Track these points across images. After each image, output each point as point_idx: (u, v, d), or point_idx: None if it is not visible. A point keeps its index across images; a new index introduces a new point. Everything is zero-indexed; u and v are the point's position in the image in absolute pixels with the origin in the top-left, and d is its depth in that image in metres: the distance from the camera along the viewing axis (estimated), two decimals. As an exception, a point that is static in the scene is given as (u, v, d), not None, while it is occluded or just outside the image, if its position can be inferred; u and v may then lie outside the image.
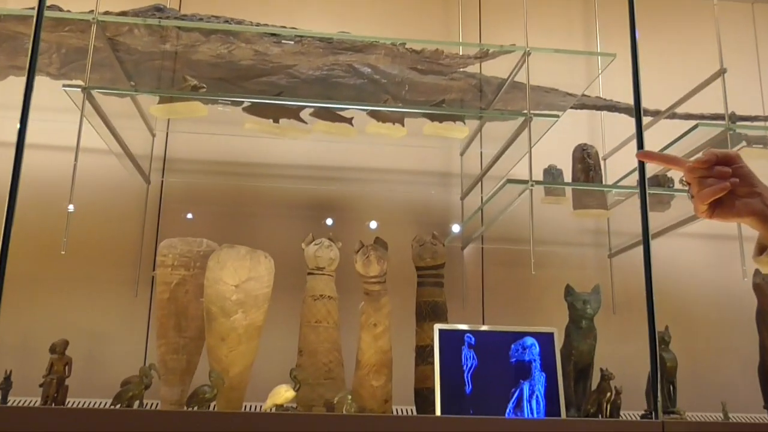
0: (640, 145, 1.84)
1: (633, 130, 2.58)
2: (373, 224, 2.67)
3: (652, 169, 2.37)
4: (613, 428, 1.64)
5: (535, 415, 1.86)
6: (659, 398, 1.72)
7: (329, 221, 2.66)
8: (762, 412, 2.35)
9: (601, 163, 2.73)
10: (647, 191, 1.75)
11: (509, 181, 2.13)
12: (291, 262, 2.31)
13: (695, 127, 2.15)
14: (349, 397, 1.88)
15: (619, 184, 2.50)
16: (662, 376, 2.29)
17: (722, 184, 1.05)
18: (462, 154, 2.81)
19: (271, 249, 2.15)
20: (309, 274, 2.24)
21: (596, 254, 2.77)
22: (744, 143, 2.31)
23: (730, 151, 1.09)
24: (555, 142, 2.57)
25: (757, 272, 2.42)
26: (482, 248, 2.74)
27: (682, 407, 2.28)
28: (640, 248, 2.59)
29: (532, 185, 2.08)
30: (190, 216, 2.58)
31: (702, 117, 2.35)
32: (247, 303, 2.03)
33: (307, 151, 2.74)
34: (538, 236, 2.69)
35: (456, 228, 2.67)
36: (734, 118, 2.27)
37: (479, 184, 2.70)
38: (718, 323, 2.75)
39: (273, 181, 2.67)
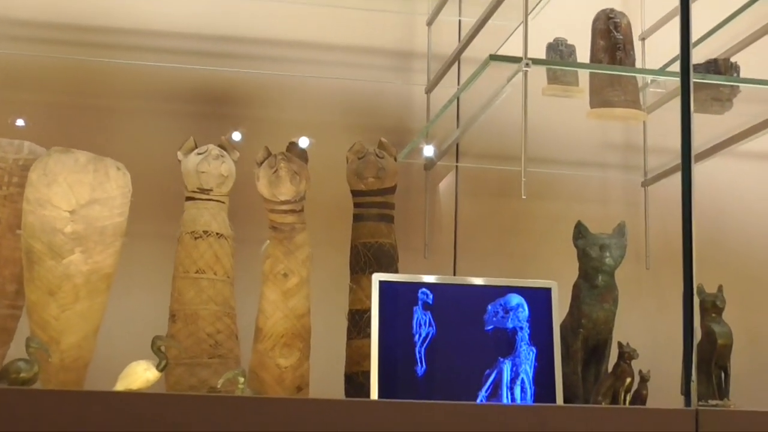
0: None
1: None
2: (294, 127, 2.66)
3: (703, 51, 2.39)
4: (626, 417, 1.70)
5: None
6: (693, 380, 1.76)
7: (225, 121, 2.64)
8: None
9: (638, 44, 2.74)
10: (691, 80, 1.75)
11: (493, 57, 2.12)
12: (160, 179, 2.30)
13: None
14: (242, 379, 1.89)
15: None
16: (710, 357, 2.35)
17: None
18: (430, 24, 2.79)
19: (130, 158, 2.12)
20: (188, 199, 2.23)
21: (625, 180, 2.79)
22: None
23: None
24: (570, 7, 2.55)
25: None
26: (456, 167, 2.75)
27: (737, 401, 2.35)
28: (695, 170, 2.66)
29: (527, 65, 2.07)
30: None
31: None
32: (89, 239, 2.01)
33: (194, 12, 2.69)
34: (537, 147, 2.71)
35: (426, 143, 2.67)
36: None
37: (455, 67, 2.69)
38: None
39: (137, 56, 2.62)
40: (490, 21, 2.34)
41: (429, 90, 2.72)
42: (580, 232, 2.29)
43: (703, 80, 2.29)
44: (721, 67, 2.30)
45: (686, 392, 1.78)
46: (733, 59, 2.41)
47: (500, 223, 2.74)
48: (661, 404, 2.26)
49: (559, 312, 2.06)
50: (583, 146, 2.78)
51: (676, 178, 2.65)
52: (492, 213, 2.75)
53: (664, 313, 2.65)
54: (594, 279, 2.26)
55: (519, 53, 2.28)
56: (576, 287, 2.29)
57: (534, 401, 1.95)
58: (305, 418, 1.63)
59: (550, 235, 2.66)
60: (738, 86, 2.32)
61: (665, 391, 2.36)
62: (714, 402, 2.19)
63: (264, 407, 1.64)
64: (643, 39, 2.76)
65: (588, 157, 2.80)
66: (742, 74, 2.38)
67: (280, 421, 1.61)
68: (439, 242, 2.70)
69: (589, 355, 2.28)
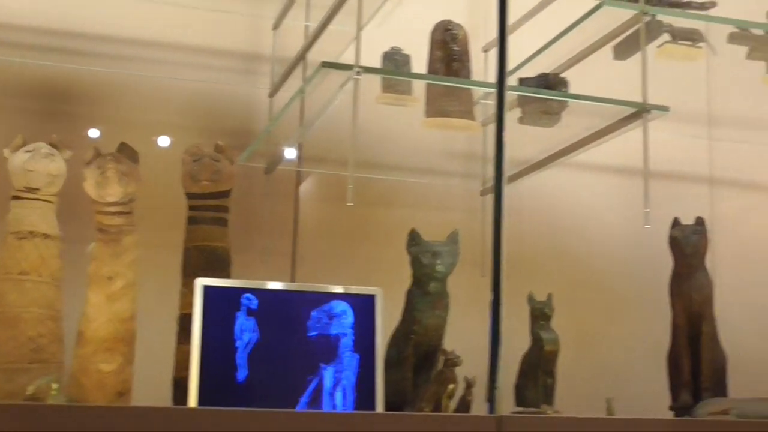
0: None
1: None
2: (134, 127, 2.65)
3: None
4: (429, 424, 1.73)
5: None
6: (497, 387, 1.82)
7: (64, 119, 2.61)
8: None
9: (481, 55, 2.82)
10: (505, 89, 1.81)
11: (325, 64, 2.15)
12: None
13: (599, 6, 2.25)
14: (55, 385, 1.87)
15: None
16: (538, 363, 2.44)
17: None
18: (275, 28, 2.80)
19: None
20: (14, 198, 2.18)
21: (465, 188, 2.85)
22: (667, 37, 2.44)
23: None
24: (413, 17, 2.60)
25: (676, 223, 2.59)
26: (298, 171, 2.77)
27: (564, 407, 2.43)
28: (528, 181, 2.75)
29: (358, 73, 2.11)
30: None
31: (618, -6, 2.46)
32: None
33: (33, 5, 2.65)
34: (380, 154, 2.76)
35: (269, 147, 2.68)
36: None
37: (300, 72, 2.68)
38: (621, 291, 2.93)
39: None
40: (340, 27, 2.37)
41: (272, 94, 2.73)
42: (413, 239, 2.33)
43: (519, 92, 2.37)
44: (551, 81, 2.38)
45: (490, 399, 1.83)
46: (565, 74, 2.51)
47: (341, 229, 2.77)
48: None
49: (383, 319, 2.10)
50: (425, 154, 2.83)
51: (514, 186, 2.75)
52: (333, 219, 2.78)
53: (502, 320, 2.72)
54: (426, 286, 2.30)
55: (367, 60, 2.36)
56: (409, 294, 2.33)
57: (354, 408, 1.98)
58: (116, 427, 1.63)
59: (391, 242, 2.69)
60: (566, 101, 2.41)
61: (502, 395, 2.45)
62: (527, 408, 2.27)
63: (72, 414, 1.63)
64: (486, 51, 2.82)
65: (430, 165, 2.85)
66: (573, 89, 2.47)
67: (87, 430, 1.61)
68: (279, 247, 2.71)
69: (421, 361, 2.32)
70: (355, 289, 2.08)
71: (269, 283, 2.09)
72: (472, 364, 2.24)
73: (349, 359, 2.01)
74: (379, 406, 1.99)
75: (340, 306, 2.04)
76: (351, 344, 2.03)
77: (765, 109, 3.08)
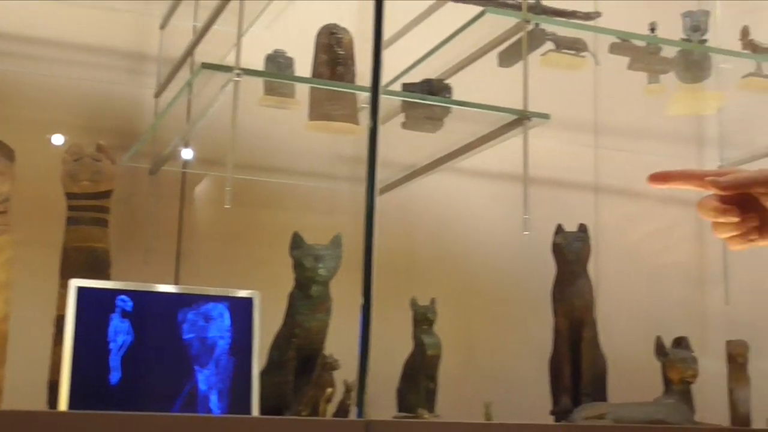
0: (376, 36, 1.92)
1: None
2: (13, 125, 2.60)
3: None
4: (298, 427, 1.74)
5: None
6: (365, 390, 1.83)
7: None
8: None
9: (370, 60, 2.83)
10: (379, 96, 1.82)
11: (205, 65, 2.15)
12: None
13: (482, 14, 2.29)
14: None
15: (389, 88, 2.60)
16: (420, 367, 2.46)
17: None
18: (163, 27, 2.78)
19: None
20: None
21: (351, 192, 2.86)
22: (552, 45, 2.49)
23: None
24: (306, 20, 2.60)
25: (559, 230, 2.64)
26: (184, 173, 2.75)
27: (446, 411, 2.46)
28: (413, 185, 2.78)
29: (238, 75, 2.11)
30: None
31: (506, 4, 2.49)
32: None
33: None
34: (263, 157, 2.76)
35: (155, 147, 2.65)
36: (538, 8, 2.43)
37: (187, 73, 2.66)
38: (505, 297, 2.96)
39: None
40: (228, 29, 2.36)
41: (158, 94, 2.71)
42: (296, 242, 2.34)
43: (403, 98, 2.40)
44: (435, 87, 2.40)
45: (359, 403, 1.84)
46: (452, 80, 2.54)
47: (226, 231, 2.75)
48: (371, 413, 2.35)
49: (262, 322, 2.10)
50: (313, 157, 2.82)
51: (403, 190, 2.79)
52: (219, 221, 2.76)
53: (386, 323, 2.73)
54: (308, 289, 2.32)
55: (256, 62, 2.35)
56: (291, 297, 2.34)
57: (229, 412, 1.98)
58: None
59: (276, 245, 2.69)
60: (449, 107, 2.43)
61: (377, 400, 2.47)
62: (404, 414, 2.29)
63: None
64: (377, 55, 2.85)
65: (316, 168, 2.85)
66: (458, 95, 2.50)
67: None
68: (164, 248, 2.68)
69: (303, 364, 2.33)
70: (232, 292, 2.07)
71: (144, 284, 2.07)
72: (354, 368, 2.26)
73: (225, 362, 2.00)
74: (255, 410, 1.99)
75: (217, 309, 2.03)
76: (227, 347, 2.02)
77: (648, 119, 3.16)
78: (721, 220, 1.22)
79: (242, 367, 2.02)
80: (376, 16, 1.97)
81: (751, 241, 1.25)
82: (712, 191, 1.22)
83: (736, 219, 1.22)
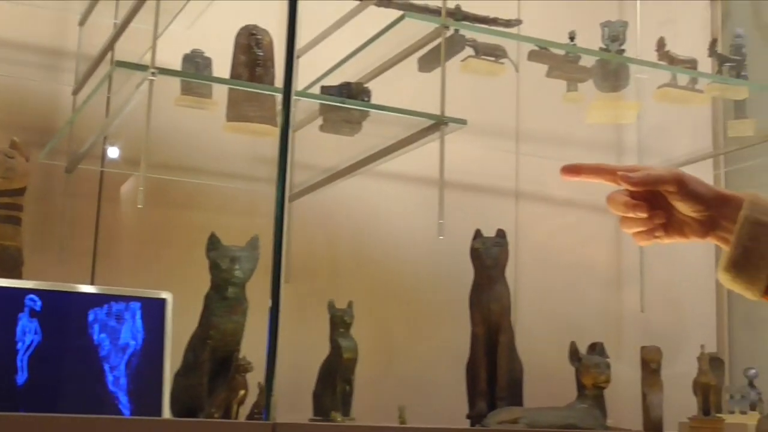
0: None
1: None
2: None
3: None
4: (206, 430, 1.74)
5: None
6: (272, 393, 1.83)
7: None
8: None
9: (295, 62, 2.84)
10: (292, 95, 1.83)
11: (119, 63, 2.13)
12: None
13: (402, 18, 2.30)
14: None
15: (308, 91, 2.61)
16: (336, 370, 2.46)
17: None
18: (81, 24, 2.75)
19: None
20: None
21: (271, 194, 2.85)
22: (471, 51, 2.51)
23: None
24: (228, 21, 2.60)
25: (477, 234, 2.66)
26: (101, 172, 2.72)
27: (363, 415, 2.47)
28: (333, 189, 2.78)
29: (153, 74, 2.10)
30: None
31: (426, 9, 2.51)
32: None
33: None
34: (182, 157, 2.74)
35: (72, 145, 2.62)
36: (459, 14, 2.46)
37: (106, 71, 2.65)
38: (425, 301, 2.98)
39: None
40: (149, 27, 2.35)
41: (76, 91, 2.67)
42: (212, 243, 2.32)
43: (321, 101, 2.41)
44: (353, 90, 2.41)
45: (266, 406, 1.84)
46: (373, 84, 2.55)
47: (145, 232, 2.72)
48: (287, 416, 2.35)
49: (175, 323, 2.10)
50: (232, 158, 2.80)
51: (320, 193, 2.79)
52: (138, 221, 2.73)
53: (303, 326, 2.74)
54: (224, 291, 2.30)
55: (176, 62, 2.34)
56: (207, 298, 2.31)
57: (139, 414, 1.96)
58: None
59: (193, 245, 2.68)
60: (368, 111, 2.44)
61: (294, 402, 2.47)
62: (316, 417, 2.29)
63: None
64: (297, 57, 2.83)
65: (236, 170, 2.84)
66: (379, 99, 2.51)
67: None
68: (80, 248, 2.65)
69: (218, 366, 2.32)
70: (145, 293, 2.06)
71: (55, 284, 2.05)
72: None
73: (137, 364, 1.99)
74: (166, 412, 1.98)
75: (129, 309, 2.02)
76: (139, 348, 2.01)
77: (569, 127, 3.21)
78: (630, 214, 1.27)
79: (154, 369, 2.01)
80: (290, 16, 1.96)
81: (657, 237, 1.29)
82: (622, 186, 1.26)
83: (644, 215, 1.26)
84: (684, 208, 1.26)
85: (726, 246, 1.25)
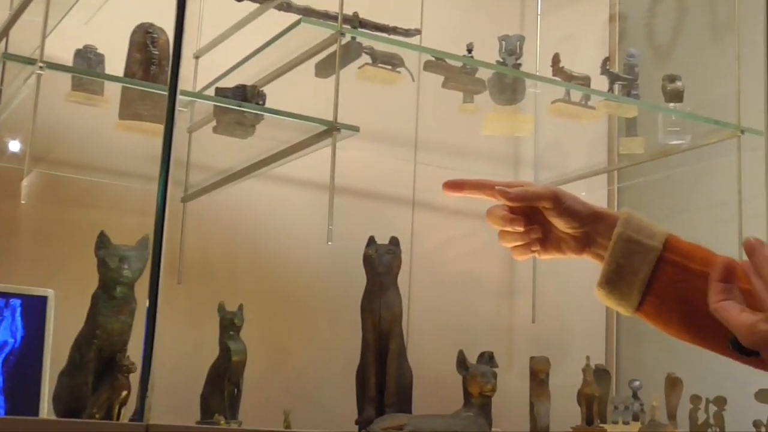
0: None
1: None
2: None
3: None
4: (79, 430, 1.72)
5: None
6: (147, 394, 1.82)
7: None
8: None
9: (192, 61, 2.84)
10: (177, 95, 1.83)
11: (6, 56, 2.11)
12: None
13: (298, 23, 2.32)
14: None
15: (205, 93, 2.61)
16: (225, 373, 2.46)
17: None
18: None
19: None
20: None
21: (169, 194, 2.85)
22: (367, 58, 2.54)
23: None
24: (128, 17, 2.59)
25: (371, 241, 2.69)
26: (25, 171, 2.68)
27: (251, 418, 2.47)
28: (227, 191, 2.78)
29: (41, 68, 2.08)
30: None
31: (326, 15, 2.54)
32: None
33: None
34: (74, 153, 2.71)
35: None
36: (356, 21, 2.48)
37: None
38: (317, 306, 3.01)
39: None
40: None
41: (-7, 89, 2.65)
42: (101, 241, 2.30)
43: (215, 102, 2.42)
44: (248, 93, 2.41)
45: (140, 407, 1.83)
46: (270, 87, 2.56)
47: (33, 229, 2.68)
48: (167, 418, 2.35)
49: (57, 321, 2.07)
50: (127, 156, 2.78)
51: (216, 195, 2.79)
52: (26, 217, 2.69)
53: (194, 328, 2.73)
54: (112, 290, 2.27)
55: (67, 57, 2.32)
56: (94, 297, 2.28)
57: (15, 413, 1.94)
58: None
59: (84, 244, 2.65)
60: (262, 114, 2.45)
61: (181, 404, 2.46)
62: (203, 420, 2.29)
63: None
64: (197, 57, 2.85)
65: (131, 168, 2.82)
66: (274, 103, 2.52)
67: None
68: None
69: (104, 366, 2.30)
70: (25, 290, 2.03)
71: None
72: (158, 372, 2.24)
73: (14, 362, 1.97)
74: (43, 412, 1.96)
75: (9, 306, 2.00)
76: (18, 346, 1.98)
77: (467, 138, 3.26)
78: (508, 228, 1.30)
79: (33, 367, 1.98)
80: (178, 14, 1.96)
81: (533, 252, 1.33)
82: (501, 201, 1.29)
83: (520, 229, 1.30)
84: (560, 224, 1.30)
85: (601, 263, 1.29)
